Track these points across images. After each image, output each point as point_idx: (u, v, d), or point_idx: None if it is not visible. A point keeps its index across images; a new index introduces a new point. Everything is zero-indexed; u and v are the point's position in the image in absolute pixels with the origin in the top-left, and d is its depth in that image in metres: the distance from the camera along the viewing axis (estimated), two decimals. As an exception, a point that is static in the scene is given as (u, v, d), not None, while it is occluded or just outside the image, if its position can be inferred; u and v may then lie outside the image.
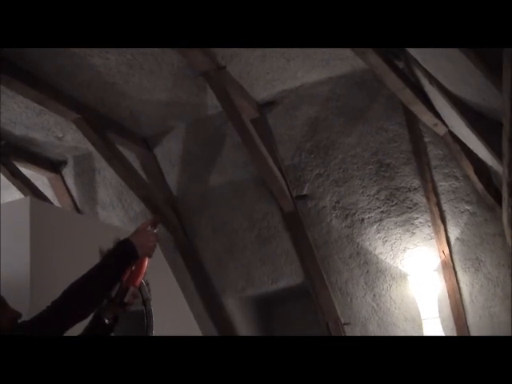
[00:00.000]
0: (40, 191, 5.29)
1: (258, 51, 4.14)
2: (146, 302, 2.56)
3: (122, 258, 2.21)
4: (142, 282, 2.38)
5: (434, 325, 4.54)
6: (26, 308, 2.62)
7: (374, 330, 4.95)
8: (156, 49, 3.94)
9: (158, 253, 4.14)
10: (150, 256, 2.34)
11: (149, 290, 2.93)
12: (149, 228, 2.38)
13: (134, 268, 2.29)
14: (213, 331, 5.32)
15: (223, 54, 4.13)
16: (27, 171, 5.25)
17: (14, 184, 5.12)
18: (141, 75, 4.25)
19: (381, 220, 4.82)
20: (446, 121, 4.26)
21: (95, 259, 3.35)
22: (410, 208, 4.74)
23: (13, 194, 5.21)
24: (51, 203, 5.18)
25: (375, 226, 4.84)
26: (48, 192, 5.48)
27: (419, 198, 4.70)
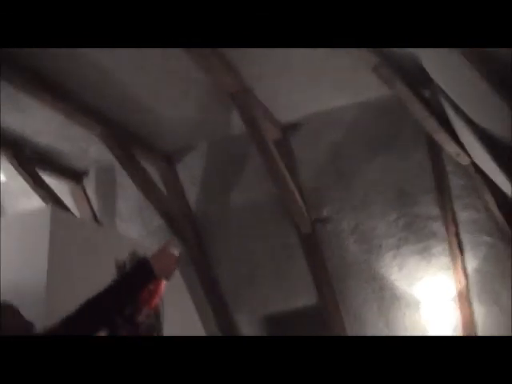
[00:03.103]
0: (61, 200, 5.33)
1: (286, 74, 4.17)
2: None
3: (139, 277, 2.20)
4: (158, 309, 2.38)
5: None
6: (43, 316, 2.64)
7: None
8: (185, 68, 3.97)
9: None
10: (168, 279, 2.33)
11: (162, 304, 2.91)
12: (171, 251, 2.37)
13: (151, 289, 2.28)
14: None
15: (251, 75, 4.15)
16: (50, 180, 5.29)
17: (36, 192, 5.16)
18: (168, 93, 4.28)
19: (398, 247, 4.81)
20: (470, 151, 4.26)
21: (111, 270, 3.39)
22: (429, 236, 4.73)
23: (34, 202, 5.25)
24: (71, 213, 5.22)
25: (392, 253, 4.83)
26: (69, 201, 5.51)
27: (438, 226, 4.69)
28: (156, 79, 4.12)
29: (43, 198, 5.19)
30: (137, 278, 2.20)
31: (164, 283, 2.33)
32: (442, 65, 3.51)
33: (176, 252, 2.37)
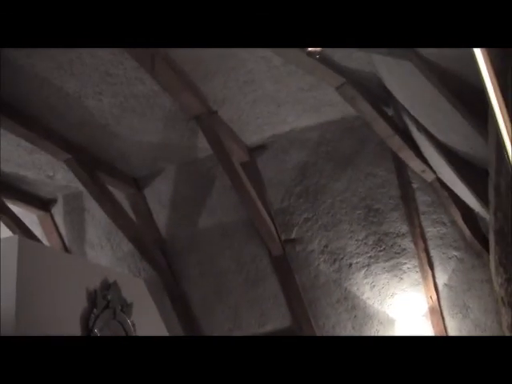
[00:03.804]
0: (29, 229, 5.28)
1: (250, 96, 4.20)
2: None
3: None
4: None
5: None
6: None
7: (361, 376, 4.90)
8: (149, 92, 3.98)
9: (146, 294, 4.11)
10: None
11: (135, 331, 2.89)
12: None
13: None
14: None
15: (215, 98, 4.18)
16: (17, 208, 5.24)
17: (2, 221, 5.10)
18: (133, 117, 4.28)
19: (369, 265, 4.83)
20: (434, 167, 4.31)
21: (82, 299, 3.35)
22: (398, 253, 4.75)
23: (1, 232, 5.18)
24: (40, 241, 5.16)
25: (363, 271, 4.85)
26: (37, 230, 5.46)
27: (407, 243, 4.72)
28: (121, 104, 4.12)
29: (10, 227, 5.14)
30: None
31: None
32: (404, 85, 3.56)
33: None
